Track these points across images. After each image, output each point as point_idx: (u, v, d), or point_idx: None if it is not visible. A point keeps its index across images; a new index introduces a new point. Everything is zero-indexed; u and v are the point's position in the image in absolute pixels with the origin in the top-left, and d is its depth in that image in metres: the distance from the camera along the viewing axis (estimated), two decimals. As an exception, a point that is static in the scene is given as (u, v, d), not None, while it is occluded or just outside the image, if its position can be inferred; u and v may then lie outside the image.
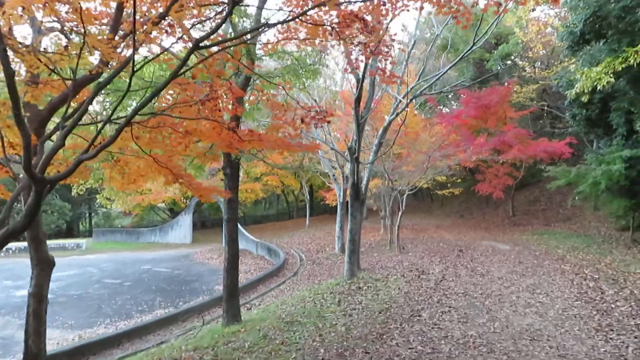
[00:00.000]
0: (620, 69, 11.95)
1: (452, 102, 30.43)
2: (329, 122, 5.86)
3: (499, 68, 27.25)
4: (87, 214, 36.92)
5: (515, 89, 24.14)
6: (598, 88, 15.53)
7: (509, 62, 28.14)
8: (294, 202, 42.67)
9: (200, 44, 3.55)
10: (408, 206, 47.45)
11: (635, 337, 6.00)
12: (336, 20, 4.07)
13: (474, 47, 10.44)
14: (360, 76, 9.10)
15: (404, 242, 18.31)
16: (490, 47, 27.87)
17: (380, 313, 7.55)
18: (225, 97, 5.34)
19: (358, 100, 9.75)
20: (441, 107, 30.61)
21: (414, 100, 26.56)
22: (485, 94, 22.71)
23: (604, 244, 15.42)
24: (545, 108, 26.29)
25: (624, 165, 13.59)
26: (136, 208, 27.72)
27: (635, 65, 11.67)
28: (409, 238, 19.56)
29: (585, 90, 12.86)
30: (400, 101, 11.99)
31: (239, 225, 23.89)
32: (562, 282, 9.73)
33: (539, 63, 25.47)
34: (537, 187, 28.57)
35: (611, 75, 11.97)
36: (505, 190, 24.07)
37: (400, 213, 15.67)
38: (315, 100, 14.02)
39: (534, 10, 22.09)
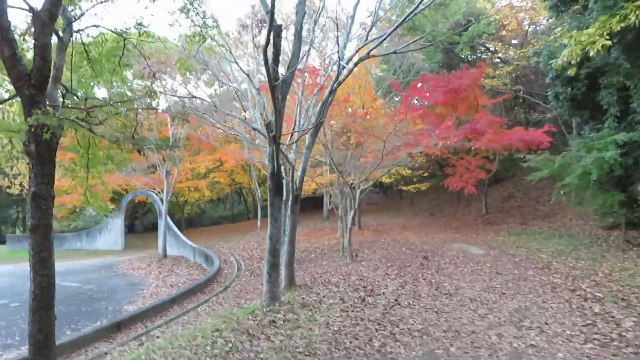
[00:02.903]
0: (618, 28, 9.44)
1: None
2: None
3: (469, 54, 24.85)
4: (17, 217, 32.56)
5: (487, 72, 21.69)
6: (585, 62, 13.26)
7: (480, 45, 25.73)
8: (257, 201, 39.44)
9: None
10: (376, 204, 45.16)
11: None
12: None
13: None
14: (270, 3, 6.07)
15: (361, 246, 15.57)
16: (460, 28, 25.42)
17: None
18: None
19: (276, 53, 6.86)
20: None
21: (377, 88, 23.98)
22: (455, 77, 20.17)
23: (592, 246, 13.03)
24: (521, 94, 23.93)
25: (619, 152, 11.19)
26: (61, 210, 24.21)
27: (637, 24, 9.16)
28: (367, 241, 16.81)
29: (573, 61, 10.25)
30: (344, 67, 9.18)
31: (175, 229, 20.83)
32: (557, 306, 7.09)
33: (514, 42, 23.03)
34: (511, 182, 26.30)
35: (607, 37, 9.41)
36: (478, 186, 21.63)
37: (352, 213, 12.87)
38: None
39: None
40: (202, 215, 42.99)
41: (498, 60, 26.22)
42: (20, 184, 25.32)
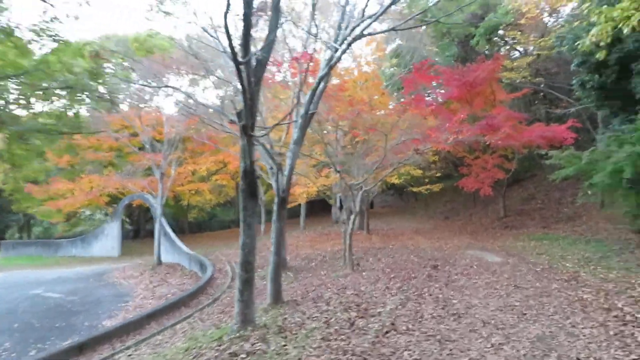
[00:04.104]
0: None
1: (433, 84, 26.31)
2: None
3: (486, 47, 23.28)
4: (23, 222, 31.82)
5: (505, 65, 20.19)
6: (617, 43, 11.76)
7: (498, 38, 24.14)
8: (259, 205, 38.20)
9: None
10: (391, 207, 43.64)
11: None
12: None
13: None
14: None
15: (366, 253, 14.29)
16: (476, 20, 23.91)
17: None
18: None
19: (246, 25, 5.69)
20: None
21: (387, 84, 22.65)
22: (470, 69, 18.73)
23: (624, 253, 11.50)
24: (541, 87, 22.33)
25: (656, 146, 9.77)
26: (56, 215, 23.41)
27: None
28: (374, 248, 15.49)
29: (603, 42, 8.83)
30: (337, 49, 7.96)
31: (172, 234, 19.76)
32: (589, 332, 5.73)
33: (534, 33, 21.41)
34: (531, 183, 24.68)
35: (645, 11, 8.02)
36: (495, 187, 20.12)
37: (353, 217, 11.59)
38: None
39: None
40: (212, 220, 41.90)
41: (517, 53, 24.64)
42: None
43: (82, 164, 22.82)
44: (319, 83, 8.04)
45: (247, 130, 5.93)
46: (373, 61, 20.69)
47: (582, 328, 5.90)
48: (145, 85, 10.07)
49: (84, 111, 19.88)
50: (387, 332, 5.92)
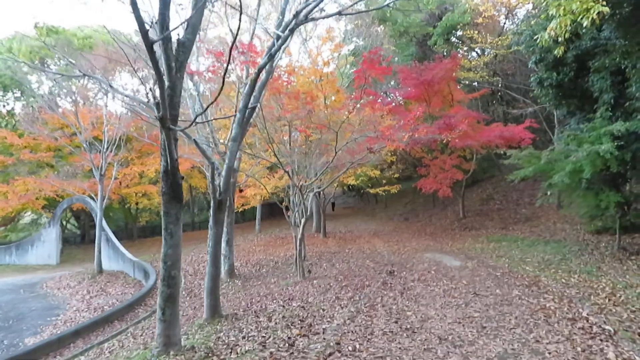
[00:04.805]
0: (618, -9, 7.72)
1: (391, 83, 25.88)
2: None
3: (444, 47, 23.00)
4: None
5: (463, 64, 19.94)
6: (574, 40, 11.48)
7: (456, 38, 23.95)
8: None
9: None
10: (352, 208, 43.12)
11: None
12: None
13: None
14: None
15: (320, 259, 13.54)
16: (434, 20, 23.67)
17: None
18: None
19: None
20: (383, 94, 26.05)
21: (344, 82, 21.97)
22: (428, 68, 18.35)
23: (583, 255, 11.24)
24: (499, 87, 22.25)
25: (615, 144, 9.41)
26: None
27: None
28: (329, 252, 14.74)
29: (561, 37, 8.43)
30: (279, 36, 7.14)
31: (115, 240, 18.32)
32: (555, 348, 5.13)
33: (490, 33, 21.27)
34: (490, 184, 24.62)
35: (603, 3, 7.61)
36: (454, 188, 19.81)
37: (303, 221, 10.76)
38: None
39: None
40: (193, 221, 39.77)
41: (475, 54, 24.55)
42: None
43: (17, 165, 21.00)
44: (258, 73, 7.18)
45: (165, 123, 5.00)
46: (331, 60, 20.01)
47: (547, 343, 5.29)
48: (55, 73, 8.90)
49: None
50: (330, 354, 5.11)
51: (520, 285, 8.45)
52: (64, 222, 29.15)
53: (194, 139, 6.80)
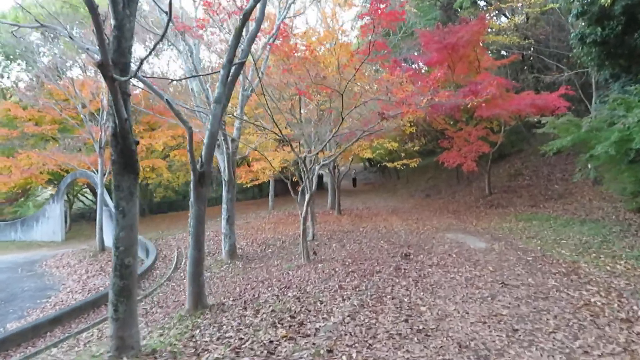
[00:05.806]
0: None
1: (414, 51, 24.11)
2: None
3: (470, 10, 21.14)
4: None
5: (491, 26, 18.21)
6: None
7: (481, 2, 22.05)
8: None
9: None
10: (373, 184, 41.75)
11: None
12: None
13: None
14: None
15: (330, 238, 12.47)
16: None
17: None
18: None
19: None
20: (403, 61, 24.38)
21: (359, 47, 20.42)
22: (452, 31, 16.71)
23: (626, 237, 9.80)
24: (531, 51, 20.41)
25: (673, 110, 7.95)
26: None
27: None
28: (341, 231, 13.64)
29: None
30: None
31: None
32: (611, 363, 3.93)
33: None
34: (518, 158, 22.95)
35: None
36: (480, 162, 18.33)
37: (307, 198, 9.62)
38: None
39: None
40: (186, 199, 39.35)
41: (504, 18, 22.61)
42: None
43: (21, 138, 20.38)
44: (244, 20, 5.97)
45: (106, 71, 3.87)
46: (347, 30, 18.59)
47: (599, 356, 4.08)
48: (11, 24, 7.87)
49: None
50: (316, 369, 4.02)
51: (557, 273, 7.19)
52: (73, 198, 28.62)
53: (167, 99, 5.68)
